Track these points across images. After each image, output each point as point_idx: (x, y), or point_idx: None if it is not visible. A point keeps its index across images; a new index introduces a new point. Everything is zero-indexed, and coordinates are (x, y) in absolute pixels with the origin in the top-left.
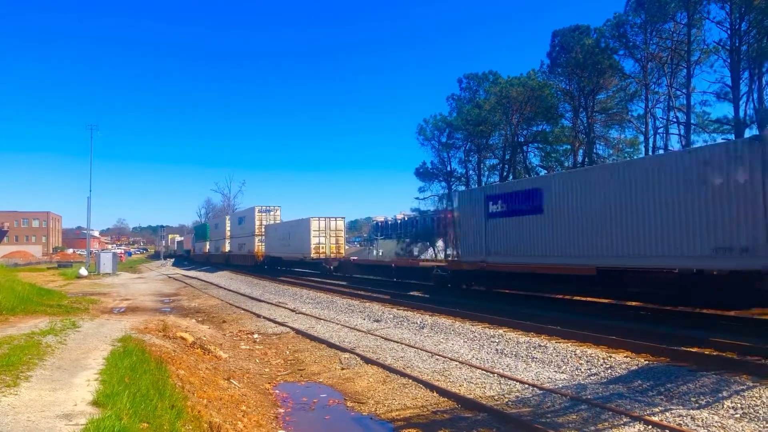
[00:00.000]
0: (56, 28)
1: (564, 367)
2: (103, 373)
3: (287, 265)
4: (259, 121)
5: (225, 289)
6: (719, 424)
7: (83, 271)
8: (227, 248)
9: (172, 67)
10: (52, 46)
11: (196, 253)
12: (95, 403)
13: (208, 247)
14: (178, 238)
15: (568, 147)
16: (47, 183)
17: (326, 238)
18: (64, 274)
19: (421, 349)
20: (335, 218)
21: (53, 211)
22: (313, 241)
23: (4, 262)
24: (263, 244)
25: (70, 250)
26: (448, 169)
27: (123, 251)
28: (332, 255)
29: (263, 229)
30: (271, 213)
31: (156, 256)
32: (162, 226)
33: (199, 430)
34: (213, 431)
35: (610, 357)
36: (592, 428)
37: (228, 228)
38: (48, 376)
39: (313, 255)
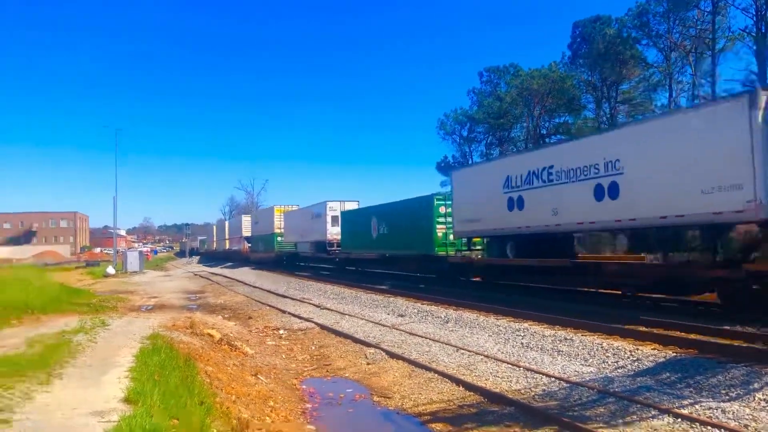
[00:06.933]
0: (76, 19)
1: (591, 360)
2: (133, 371)
3: None
4: (279, 115)
5: (251, 285)
6: (751, 417)
7: (111, 270)
8: None
9: (180, 58)
10: (70, 38)
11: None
12: (126, 400)
13: None
14: (271, 210)
15: None
16: (74, 182)
17: None
18: (92, 273)
19: (446, 344)
20: None
21: (80, 211)
22: None
23: (35, 262)
24: None
25: (98, 249)
26: (470, 162)
27: (149, 249)
28: None
29: None
30: None
31: (182, 254)
32: (187, 224)
33: (229, 426)
34: (242, 427)
35: (637, 350)
36: (620, 421)
37: None
38: (79, 374)
39: None
